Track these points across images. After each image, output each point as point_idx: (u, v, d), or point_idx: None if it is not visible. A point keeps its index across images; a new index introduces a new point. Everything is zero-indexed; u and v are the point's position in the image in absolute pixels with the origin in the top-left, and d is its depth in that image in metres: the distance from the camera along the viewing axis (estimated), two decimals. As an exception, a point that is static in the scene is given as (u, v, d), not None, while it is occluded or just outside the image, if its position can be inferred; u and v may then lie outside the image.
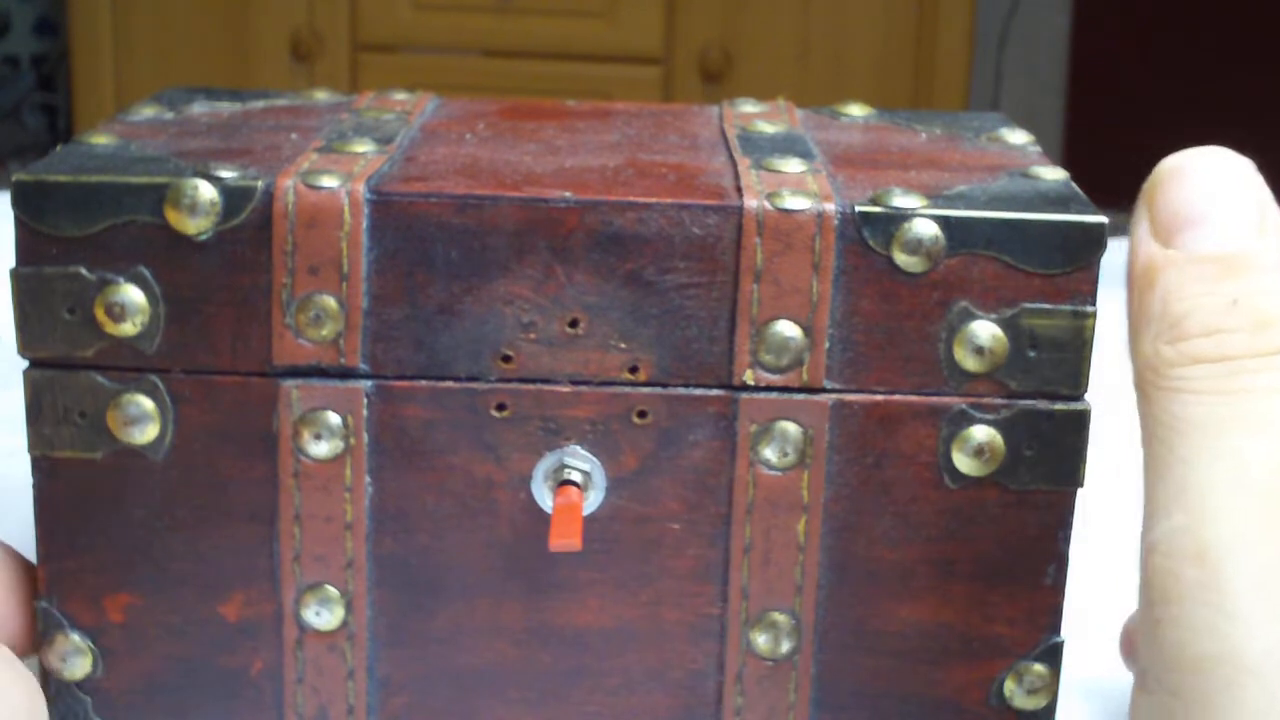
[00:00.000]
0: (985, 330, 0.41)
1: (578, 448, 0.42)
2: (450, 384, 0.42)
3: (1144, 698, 0.35)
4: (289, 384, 0.42)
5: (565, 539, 0.40)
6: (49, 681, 0.43)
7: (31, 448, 0.42)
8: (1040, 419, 0.42)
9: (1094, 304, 0.41)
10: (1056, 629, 0.43)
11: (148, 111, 0.49)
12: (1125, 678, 0.46)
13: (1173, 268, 0.36)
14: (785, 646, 0.43)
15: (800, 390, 0.42)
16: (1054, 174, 0.44)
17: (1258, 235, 0.35)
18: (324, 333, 0.41)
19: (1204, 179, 0.36)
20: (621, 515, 0.42)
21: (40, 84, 2.75)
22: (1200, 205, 0.36)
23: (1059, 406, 0.42)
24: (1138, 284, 0.36)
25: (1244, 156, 0.36)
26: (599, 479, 0.42)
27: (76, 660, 0.43)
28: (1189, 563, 0.34)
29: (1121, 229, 0.39)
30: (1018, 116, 0.64)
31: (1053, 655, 0.43)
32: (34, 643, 0.43)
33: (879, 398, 0.42)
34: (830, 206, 0.41)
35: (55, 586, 0.43)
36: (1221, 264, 0.35)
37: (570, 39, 2.23)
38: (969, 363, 0.41)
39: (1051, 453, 0.42)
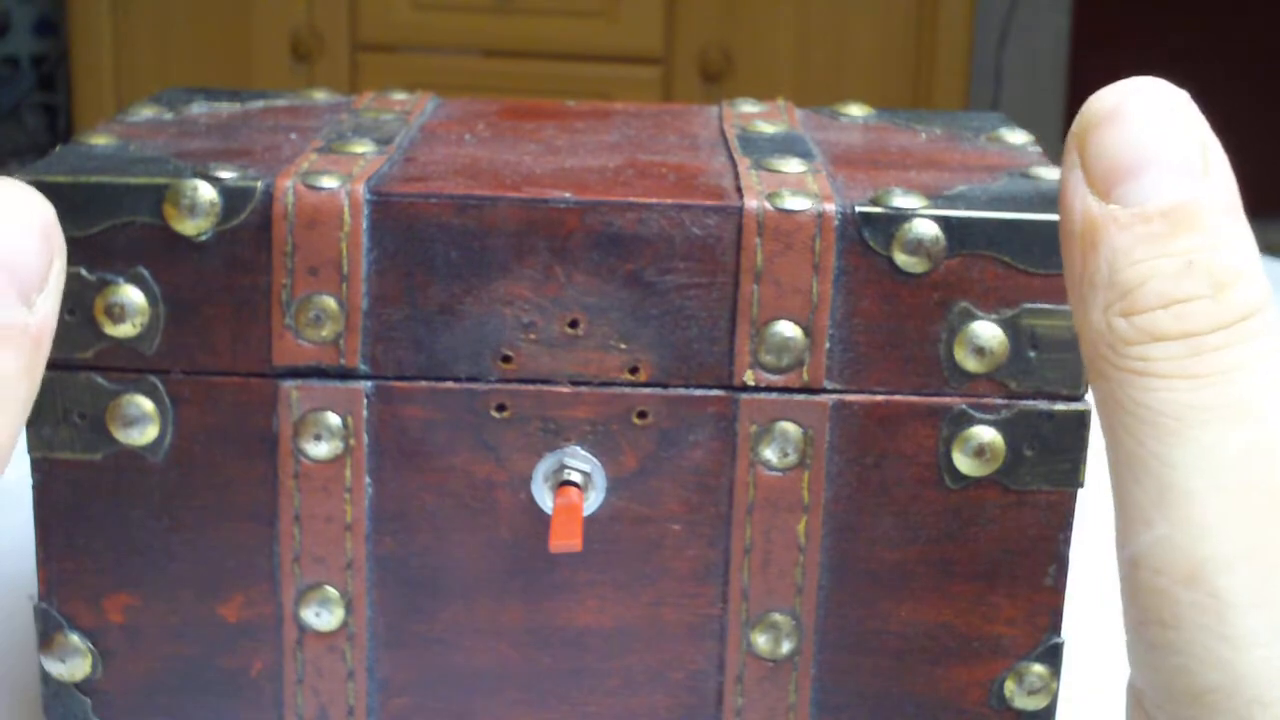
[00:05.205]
0: (986, 330, 0.41)
1: (578, 448, 0.42)
2: (450, 384, 0.42)
3: None
4: (289, 384, 0.42)
5: (565, 540, 0.40)
6: (48, 682, 0.43)
7: (31, 448, 0.42)
8: (1040, 419, 0.42)
9: (1094, 304, 0.41)
10: (1057, 629, 0.43)
11: (147, 112, 0.49)
12: (1125, 678, 0.46)
13: (1116, 227, 0.32)
14: (785, 647, 0.43)
15: (800, 391, 0.42)
16: (1054, 174, 0.44)
17: (1203, 178, 0.32)
18: (324, 333, 0.41)
19: (1140, 120, 0.32)
20: (622, 516, 0.42)
21: (40, 84, 2.75)
22: (1139, 151, 0.32)
23: (1059, 407, 0.42)
24: (1079, 244, 0.32)
25: (1180, 90, 0.33)
26: (599, 480, 0.42)
27: (76, 661, 0.43)
28: (1181, 583, 0.31)
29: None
30: (1018, 116, 0.64)
31: (1053, 655, 0.43)
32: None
33: (879, 398, 0.42)
34: (830, 207, 0.41)
35: (55, 587, 0.43)
36: (1169, 219, 0.32)
37: (570, 39, 2.23)
38: (969, 363, 0.41)
39: (1052, 453, 0.42)
